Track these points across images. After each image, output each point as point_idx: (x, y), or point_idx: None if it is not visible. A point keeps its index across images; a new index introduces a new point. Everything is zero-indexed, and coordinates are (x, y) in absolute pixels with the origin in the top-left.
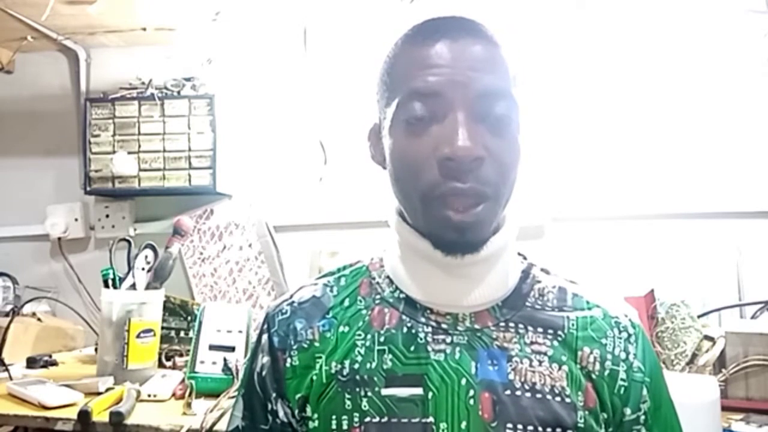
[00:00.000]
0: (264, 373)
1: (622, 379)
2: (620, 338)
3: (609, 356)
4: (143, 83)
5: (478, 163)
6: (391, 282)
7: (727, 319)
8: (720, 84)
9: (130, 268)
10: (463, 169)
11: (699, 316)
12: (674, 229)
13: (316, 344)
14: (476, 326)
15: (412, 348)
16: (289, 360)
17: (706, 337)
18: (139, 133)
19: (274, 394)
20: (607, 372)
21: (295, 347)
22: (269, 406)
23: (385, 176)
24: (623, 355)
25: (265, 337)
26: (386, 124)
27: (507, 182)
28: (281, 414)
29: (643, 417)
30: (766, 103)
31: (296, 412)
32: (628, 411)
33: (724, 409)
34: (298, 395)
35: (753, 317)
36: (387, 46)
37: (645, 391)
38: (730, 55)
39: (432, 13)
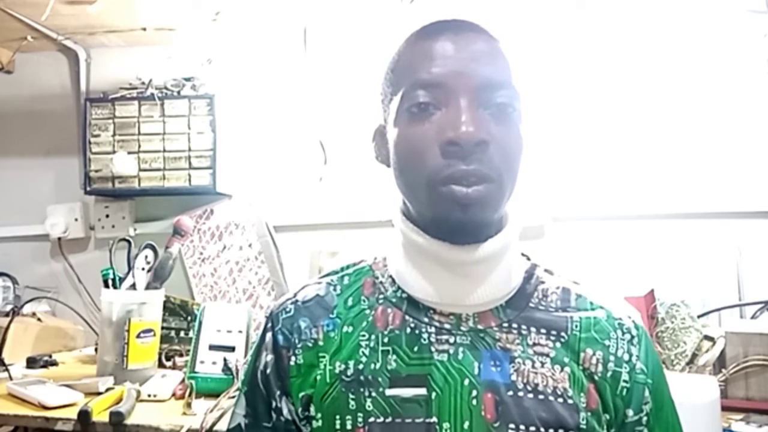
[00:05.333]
0: (268, 371)
1: (624, 381)
2: (623, 340)
3: (612, 358)
4: (143, 83)
5: (482, 148)
6: (394, 281)
7: (727, 319)
8: (720, 84)
9: (130, 268)
10: (467, 153)
11: (699, 316)
12: (674, 229)
13: (320, 343)
14: (479, 327)
15: (416, 348)
16: (293, 358)
17: (706, 337)
18: (139, 133)
19: (278, 392)
20: (609, 373)
21: (299, 346)
22: (273, 404)
23: (388, 175)
24: (626, 357)
25: (269, 335)
26: (391, 117)
27: (511, 169)
28: (285, 412)
29: (645, 418)
30: (766, 104)
31: (299, 410)
32: (630, 412)
33: (724, 409)
34: (302, 394)
35: (753, 317)
36: (389, 48)
37: (647, 393)
38: (730, 55)
39: (434, 15)
